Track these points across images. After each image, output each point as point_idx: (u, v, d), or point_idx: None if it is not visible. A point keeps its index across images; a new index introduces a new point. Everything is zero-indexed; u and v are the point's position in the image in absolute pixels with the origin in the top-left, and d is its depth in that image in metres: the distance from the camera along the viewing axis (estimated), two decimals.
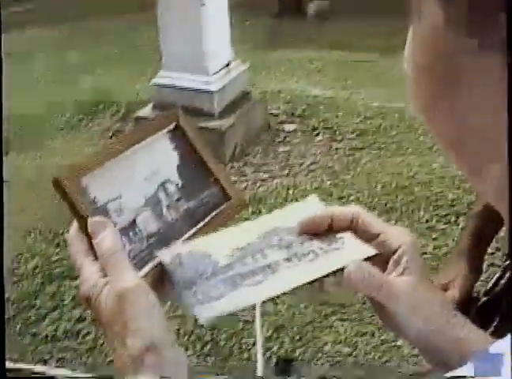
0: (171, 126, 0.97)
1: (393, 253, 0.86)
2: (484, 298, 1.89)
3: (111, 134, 6.08)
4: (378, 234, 0.88)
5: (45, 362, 3.41)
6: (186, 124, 0.99)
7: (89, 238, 0.85)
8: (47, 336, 3.61)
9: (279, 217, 0.96)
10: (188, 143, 0.98)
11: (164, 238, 0.91)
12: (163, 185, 0.93)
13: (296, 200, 4.00)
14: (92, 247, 0.85)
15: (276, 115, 6.34)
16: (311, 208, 0.95)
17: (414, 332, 0.84)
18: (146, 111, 5.84)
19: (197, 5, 5.40)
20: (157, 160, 0.94)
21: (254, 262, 0.88)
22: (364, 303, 3.75)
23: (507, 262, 1.91)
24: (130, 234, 0.89)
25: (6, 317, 3.72)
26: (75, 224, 0.87)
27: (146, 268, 0.87)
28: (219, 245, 0.91)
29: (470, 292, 1.78)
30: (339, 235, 0.90)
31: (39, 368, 2.36)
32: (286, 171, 5.47)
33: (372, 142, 5.86)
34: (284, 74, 7.97)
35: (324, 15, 11.14)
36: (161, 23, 5.62)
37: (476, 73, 0.50)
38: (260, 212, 4.71)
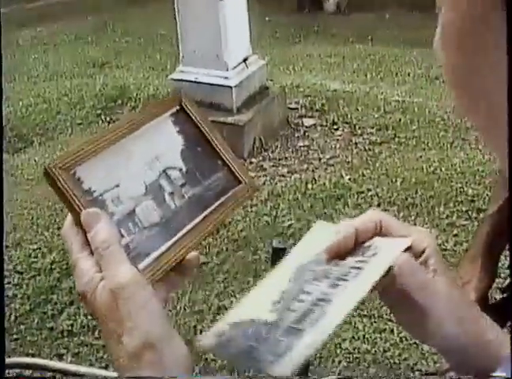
0: (174, 109, 0.93)
1: (420, 255, 0.83)
2: (498, 298, 1.86)
3: None
4: (403, 237, 0.84)
5: (61, 357, 3.41)
6: (190, 105, 0.94)
7: (84, 231, 0.80)
8: (63, 331, 3.60)
9: (297, 256, 0.91)
10: (193, 125, 0.93)
11: (167, 227, 0.86)
12: (165, 171, 0.88)
13: (315, 195, 3.97)
14: (86, 241, 0.81)
15: (296, 109, 6.31)
16: (323, 233, 0.90)
17: (443, 333, 0.81)
18: None
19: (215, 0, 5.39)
20: (159, 146, 0.89)
21: (302, 304, 0.83)
22: None
23: None
24: (129, 224, 0.84)
25: (23, 311, 3.72)
26: (68, 218, 0.83)
27: (147, 261, 0.83)
28: (253, 308, 0.85)
29: (486, 295, 1.74)
30: (367, 244, 0.86)
31: (55, 364, 2.34)
32: (305, 166, 5.44)
33: (392, 137, 5.82)
34: (304, 69, 7.94)
35: (343, 10, 11.09)
36: (179, 18, 5.60)
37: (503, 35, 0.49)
38: (279, 206, 4.69)
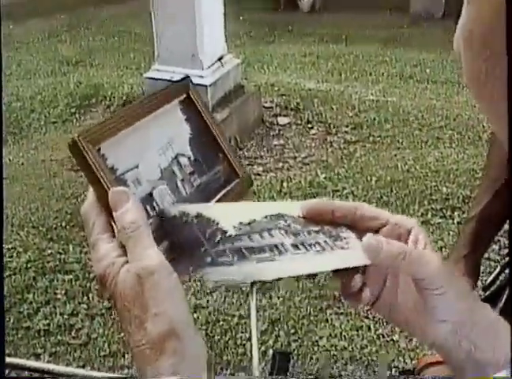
0: (182, 97, 0.91)
1: (408, 234, 0.83)
2: (482, 294, 1.88)
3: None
4: (387, 220, 0.85)
5: (38, 357, 3.39)
6: (196, 95, 0.93)
7: (108, 211, 0.77)
8: (39, 331, 3.58)
9: (284, 206, 0.93)
10: (199, 116, 0.92)
11: None
12: (176, 157, 0.88)
13: (290, 193, 3.99)
14: (109, 222, 0.78)
15: (270, 108, 6.32)
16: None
17: (444, 313, 0.80)
18: None
19: None
20: (170, 132, 0.88)
21: (261, 239, 0.85)
22: None
23: (506, 259, 1.89)
24: (148, 207, 0.81)
25: None
26: (90, 196, 0.79)
27: (163, 246, 0.80)
28: (225, 215, 0.87)
29: None
30: (344, 234, 0.87)
31: (32, 363, 2.33)
32: (280, 165, 5.45)
33: (366, 136, 5.85)
34: (278, 68, 7.95)
35: (317, 9, 11.12)
36: (155, 16, 5.59)
37: None
38: None
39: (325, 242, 0.87)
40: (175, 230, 0.83)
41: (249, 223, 0.87)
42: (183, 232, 0.83)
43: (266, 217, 0.89)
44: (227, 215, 0.87)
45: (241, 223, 0.86)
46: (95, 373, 2.74)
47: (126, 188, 0.78)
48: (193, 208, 0.86)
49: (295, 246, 0.85)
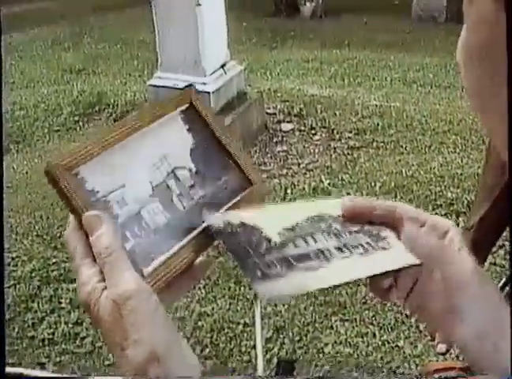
0: (184, 107, 0.89)
1: (444, 236, 0.82)
2: None
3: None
4: (425, 221, 0.84)
5: (43, 366, 3.38)
6: (200, 103, 0.90)
7: (87, 236, 0.76)
8: (44, 340, 3.57)
9: (322, 205, 0.91)
10: (203, 124, 0.89)
11: (174, 230, 0.82)
12: (173, 171, 0.85)
13: (295, 199, 3.99)
14: (90, 247, 0.76)
15: (274, 115, 6.32)
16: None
17: (470, 315, 0.80)
18: None
19: (192, 5, 5.38)
20: (168, 144, 0.85)
21: (305, 245, 0.84)
22: (365, 303, 3.73)
23: None
24: (135, 227, 0.79)
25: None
26: (71, 222, 0.78)
27: (153, 265, 0.79)
28: (268, 221, 0.85)
29: None
30: (383, 234, 0.86)
31: (37, 373, 2.33)
32: (284, 171, 5.44)
33: (370, 141, 5.84)
34: (281, 74, 7.95)
35: (319, 15, 11.12)
36: (158, 24, 5.59)
37: None
38: None
39: (368, 243, 0.86)
40: (225, 242, 0.83)
41: (292, 228, 0.86)
42: (230, 243, 0.83)
43: (308, 219, 0.87)
44: (269, 220, 0.86)
45: (284, 228, 0.85)
46: None
47: (98, 212, 0.76)
48: (235, 217, 0.85)
49: (339, 250, 0.84)
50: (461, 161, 5.28)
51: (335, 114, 6.38)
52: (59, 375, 2.23)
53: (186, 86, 0.91)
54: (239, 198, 0.89)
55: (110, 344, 0.73)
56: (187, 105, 0.89)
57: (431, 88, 7.29)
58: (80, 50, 9.28)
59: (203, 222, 0.85)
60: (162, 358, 0.71)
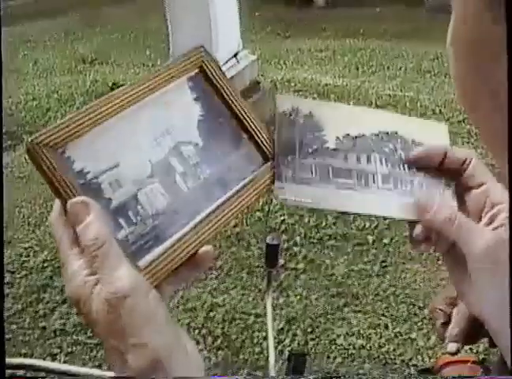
0: (193, 72, 0.78)
1: (491, 207, 0.79)
2: None
3: None
4: (482, 184, 0.81)
5: (54, 357, 3.38)
6: (212, 67, 0.79)
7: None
8: (55, 330, 3.57)
9: (401, 122, 0.87)
10: (214, 92, 0.79)
11: (176, 215, 0.72)
12: (176, 147, 0.74)
13: None
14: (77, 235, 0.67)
15: None
16: (435, 133, 0.88)
17: (486, 289, 0.78)
18: None
19: None
20: (171, 116, 0.75)
21: (356, 162, 0.82)
22: (378, 294, 3.70)
23: None
24: (130, 213, 0.70)
25: (15, 310, 3.69)
26: (56, 205, 0.69)
27: (150, 256, 0.70)
28: (336, 120, 0.83)
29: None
30: (443, 184, 0.83)
31: (48, 364, 2.32)
32: None
33: None
34: (294, 63, 7.91)
35: (333, 3, 11.06)
36: (169, 13, 5.57)
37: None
38: (271, 201, 4.66)
39: (421, 183, 0.84)
40: (279, 129, 0.80)
41: (353, 138, 0.83)
42: (284, 132, 0.80)
43: (378, 134, 0.84)
44: (339, 120, 0.83)
45: (347, 135, 0.83)
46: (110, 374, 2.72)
47: (85, 198, 0.67)
48: (307, 105, 0.82)
49: (386, 179, 0.82)
50: (476, 150, 5.22)
51: (349, 103, 6.33)
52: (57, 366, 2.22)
53: (195, 48, 0.79)
54: (252, 176, 0.78)
55: (106, 348, 0.66)
56: (197, 70, 0.79)
57: (445, 77, 7.22)
58: (93, 40, 9.26)
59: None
60: (165, 361, 0.65)
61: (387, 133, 0.85)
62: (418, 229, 0.80)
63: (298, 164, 0.79)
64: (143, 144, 0.73)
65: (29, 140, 0.67)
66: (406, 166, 0.84)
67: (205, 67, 0.79)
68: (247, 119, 0.80)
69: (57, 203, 0.69)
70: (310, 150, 0.80)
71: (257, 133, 0.81)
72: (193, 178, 0.74)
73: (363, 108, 0.90)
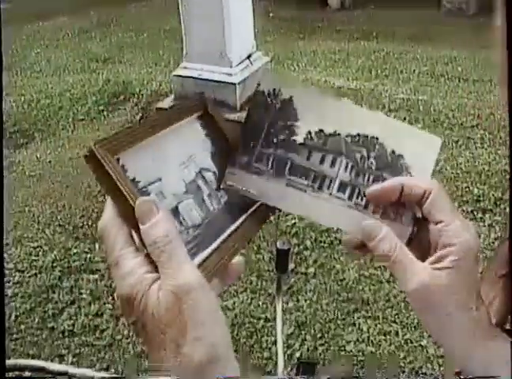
0: (200, 113, 0.87)
1: (444, 246, 0.79)
2: None
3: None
4: (440, 221, 0.80)
5: (62, 358, 3.36)
6: (214, 111, 0.88)
7: (131, 224, 0.70)
8: (64, 331, 3.55)
9: (390, 128, 0.86)
10: (219, 131, 0.87)
11: (209, 229, 0.79)
12: (200, 172, 0.82)
13: None
14: (131, 237, 0.71)
15: None
16: (423, 146, 0.87)
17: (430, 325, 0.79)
18: (167, 102, 5.79)
19: None
20: (191, 146, 0.83)
21: (318, 163, 0.81)
22: (388, 300, 3.67)
23: None
24: (175, 221, 0.75)
25: (23, 310, 3.68)
26: (109, 209, 0.73)
27: (195, 261, 0.75)
28: (315, 113, 0.82)
29: (506, 319, 1.68)
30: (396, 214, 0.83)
31: (54, 366, 2.31)
32: None
33: None
34: (308, 65, 7.88)
35: (347, 6, 11.03)
36: (183, 14, 5.55)
37: None
38: None
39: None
40: (251, 111, 0.80)
41: (328, 135, 0.82)
42: (255, 115, 0.80)
43: (355, 136, 0.83)
44: (319, 112, 0.82)
45: (320, 131, 0.82)
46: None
47: (154, 198, 0.73)
48: (291, 89, 0.82)
49: (342, 187, 0.82)
50: (489, 157, 5.20)
51: (362, 106, 6.30)
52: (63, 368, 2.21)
53: (198, 94, 0.89)
54: (256, 206, 0.85)
55: (159, 342, 0.67)
56: (202, 112, 0.87)
57: (459, 81, 7.18)
58: (107, 39, 9.27)
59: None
60: (222, 358, 0.66)
61: (366, 137, 0.84)
62: (346, 237, 0.83)
63: (256, 153, 0.81)
64: (176, 164, 0.80)
65: (93, 144, 0.71)
66: (371, 177, 0.83)
67: (209, 109, 0.88)
68: None
69: (109, 206, 0.73)
70: (275, 140, 0.81)
71: None
72: (216, 201, 0.83)
73: (356, 107, 0.87)
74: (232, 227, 0.82)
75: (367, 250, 0.82)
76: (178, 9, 5.63)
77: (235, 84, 5.48)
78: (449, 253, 0.78)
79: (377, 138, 0.84)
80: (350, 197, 0.83)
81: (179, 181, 0.79)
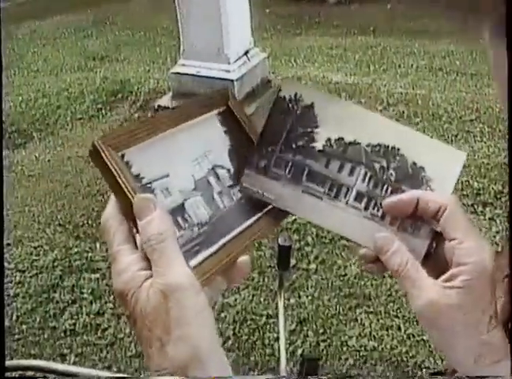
0: (221, 108, 0.87)
1: (457, 265, 0.77)
2: None
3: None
4: (454, 239, 0.79)
5: (64, 357, 3.36)
6: (237, 107, 0.88)
7: (131, 220, 0.71)
8: (65, 331, 3.55)
9: (411, 139, 0.85)
10: (239, 127, 0.88)
11: (216, 227, 0.79)
12: (213, 169, 0.82)
13: None
14: (131, 233, 0.72)
15: None
16: (446, 160, 0.85)
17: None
18: (165, 100, 5.78)
19: None
20: (208, 142, 0.83)
21: (336, 171, 0.81)
22: (390, 295, 3.67)
23: None
24: (179, 218, 0.76)
25: (25, 310, 3.68)
26: (111, 205, 0.74)
27: (195, 260, 0.75)
28: (336, 119, 0.82)
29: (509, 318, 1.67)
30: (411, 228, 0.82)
31: (58, 365, 2.30)
32: None
33: None
34: (305, 61, 7.87)
35: (344, 0, 11.02)
36: (180, 11, 5.54)
37: None
38: None
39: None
40: (272, 114, 0.80)
41: (347, 144, 0.81)
42: (276, 118, 0.80)
43: (376, 146, 0.82)
44: (340, 119, 0.82)
45: (340, 139, 0.81)
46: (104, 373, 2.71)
47: (151, 195, 0.73)
48: (312, 95, 0.81)
49: (358, 197, 0.81)
50: (488, 150, 5.19)
51: (360, 101, 6.29)
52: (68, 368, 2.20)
53: (222, 89, 0.89)
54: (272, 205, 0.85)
55: (147, 339, 0.68)
56: (224, 107, 0.88)
57: (458, 75, 7.17)
58: (104, 38, 9.25)
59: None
60: (204, 359, 0.67)
61: (387, 147, 0.83)
62: (363, 251, 0.82)
63: (275, 157, 0.80)
64: (187, 160, 0.80)
65: (96, 140, 0.73)
66: (389, 188, 0.82)
67: (231, 106, 0.88)
68: None
69: (112, 201, 0.74)
70: (293, 146, 0.80)
71: None
72: (228, 198, 0.83)
73: (377, 115, 0.86)
74: (243, 226, 0.82)
75: (382, 267, 0.81)
76: (174, 6, 5.62)
77: (233, 80, 5.48)
78: (461, 273, 0.76)
79: (398, 149, 0.83)
80: (366, 208, 0.82)
81: (188, 177, 0.79)
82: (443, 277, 0.77)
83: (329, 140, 0.81)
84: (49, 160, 5.40)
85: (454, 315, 0.75)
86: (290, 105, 0.82)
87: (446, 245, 0.79)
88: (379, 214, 0.82)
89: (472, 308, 0.76)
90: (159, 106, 5.77)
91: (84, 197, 4.80)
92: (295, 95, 0.82)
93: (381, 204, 0.82)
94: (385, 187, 0.82)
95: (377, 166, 0.82)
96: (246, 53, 5.69)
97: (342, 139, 0.82)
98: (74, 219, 4.50)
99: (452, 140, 5.48)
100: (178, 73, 5.70)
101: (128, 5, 10.80)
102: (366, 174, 0.82)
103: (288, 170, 0.80)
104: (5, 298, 3.37)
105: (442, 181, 0.84)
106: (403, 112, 6.04)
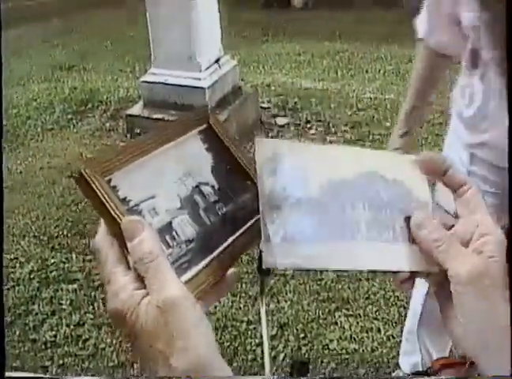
0: (202, 127, 0.90)
1: (480, 237, 0.81)
2: None
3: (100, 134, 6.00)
4: (473, 214, 0.83)
5: (46, 369, 3.34)
6: (217, 124, 0.91)
7: (121, 243, 0.74)
8: (46, 342, 3.53)
9: (380, 159, 0.88)
10: (221, 144, 0.90)
11: (204, 243, 0.81)
12: (198, 186, 0.85)
13: None
14: (123, 255, 0.75)
15: (268, 109, 6.29)
16: (415, 170, 0.88)
17: (462, 312, 0.79)
18: (137, 109, 5.77)
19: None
20: (190, 161, 0.85)
21: (339, 213, 0.81)
22: (368, 298, 3.71)
23: None
24: (167, 237, 0.78)
25: (4, 323, 3.64)
26: (101, 229, 0.77)
27: (185, 277, 0.77)
28: (317, 164, 0.82)
29: None
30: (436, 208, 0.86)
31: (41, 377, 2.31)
32: None
33: (366, 134, 5.82)
34: (273, 67, 7.92)
35: (310, 6, 11.09)
36: (150, 19, 5.54)
37: None
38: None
39: (400, 226, 0.84)
40: (261, 179, 0.80)
41: (337, 183, 0.83)
42: (266, 182, 0.80)
43: (357, 177, 0.84)
44: (319, 164, 0.83)
45: (330, 180, 0.82)
46: None
47: (138, 217, 0.75)
48: (287, 148, 0.82)
49: (371, 226, 0.82)
50: None
51: (330, 107, 6.35)
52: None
53: (202, 108, 0.95)
54: (255, 219, 0.85)
55: (149, 354, 0.70)
56: (206, 125, 0.90)
57: None
58: (71, 47, 9.21)
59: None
60: (207, 366, 0.69)
61: (369, 174, 0.86)
62: (402, 276, 0.83)
63: (288, 221, 0.78)
64: (172, 180, 0.83)
65: (83, 167, 0.74)
66: (388, 209, 0.84)
67: (212, 123, 0.91)
68: (249, 169, 0.90)
69: (101, 227, 0.77)
70: (293, 201, 0.80)
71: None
72: (214, 214, 0.85)
73: (338, 146, 0.94)
74: (230, 240, 0.84)
75: (413, 283, 0.84)
76: (141, 15, 5.62)
77: (204, 88, 5.49)
78: (488, 242, 0.80)
79: (376, 171, 0.86)
80: (379, 234, 0.83)
81: (174, 197, 0.82)
82: (472, 248, 0.80)
83: (320, 186, 0.82)
84: (21, 172, 5.37)
85: (492, 280, 0.78)
86: (273, 165, 0.81)
87: (463, 221, 0.83)
88: (391, 235, 0.84)
89: (501, 277, 0.79)
90: (130, 115, 5.75)
91: (57, 208, 4.78)
92: (274, 153, 0.82)
93: (389, 228, 0.84)
94: (384, 209, 0.85)
95: (370, 193, 0.84)
96: (217, 60, 5.71)
97: (331, 180, 0.83)
98: (49, 231, 4.48)
99: (422, 143, 5.55)
100: (148, 82, 5.69)
101: (94, 15, 10.77)
102: (364, 203, 0.83)
103: (306, 229, 0.79)
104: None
105: (420, 189, 0.88)
106: (373, 117, 6.11)
